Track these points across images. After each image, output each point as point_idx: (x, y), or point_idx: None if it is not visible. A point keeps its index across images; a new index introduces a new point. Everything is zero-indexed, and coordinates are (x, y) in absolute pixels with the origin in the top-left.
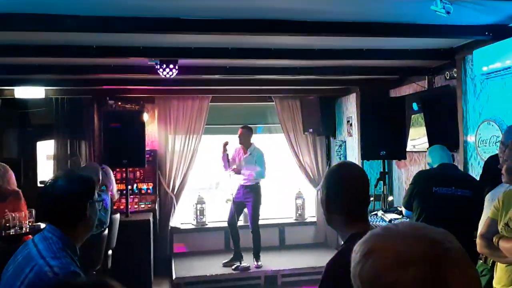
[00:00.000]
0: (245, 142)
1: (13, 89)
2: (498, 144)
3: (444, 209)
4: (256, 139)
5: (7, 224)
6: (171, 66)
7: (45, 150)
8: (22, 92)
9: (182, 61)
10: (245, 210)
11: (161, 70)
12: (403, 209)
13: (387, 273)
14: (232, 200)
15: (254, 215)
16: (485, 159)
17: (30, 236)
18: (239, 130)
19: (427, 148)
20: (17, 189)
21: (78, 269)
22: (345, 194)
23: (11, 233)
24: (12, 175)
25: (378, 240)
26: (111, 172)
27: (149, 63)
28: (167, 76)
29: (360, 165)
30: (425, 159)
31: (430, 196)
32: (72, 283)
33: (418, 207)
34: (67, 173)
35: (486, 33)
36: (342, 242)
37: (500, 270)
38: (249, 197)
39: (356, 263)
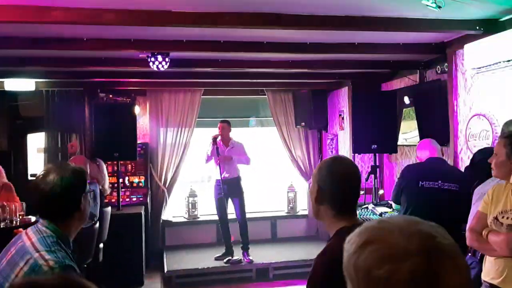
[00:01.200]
0: (226, 136)
1: (3, 81)
2: (488, 138)
3: (430, 203)
4: (248, 133)
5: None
6: (163, 58)
7: (36, 142)
8: (12, 84)
9: (174, 54)
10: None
11: (152, 62)
12: (393, 203)
13: (382, 265)
14: (216, 197)
15: (242, 208)
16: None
17: (21, 229)
18: (220, 125)
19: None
20: (7, 182)
21: (73, 263)
22: (337, 187)
23: (1, 226)
24: (1, 169)
25: (374, 232)
26: (104, 165)
27: (140, 55)
28: (159, 68)
29: (351, 159)
30: (416, 153)
31: (416, 190)
32: (39, 283)
33: (406, 201)
34: (59, 165)
35: (477, 27)
36: (330, 236)
37: (488, 263)
38: (234, 191)
39: (351, 254)
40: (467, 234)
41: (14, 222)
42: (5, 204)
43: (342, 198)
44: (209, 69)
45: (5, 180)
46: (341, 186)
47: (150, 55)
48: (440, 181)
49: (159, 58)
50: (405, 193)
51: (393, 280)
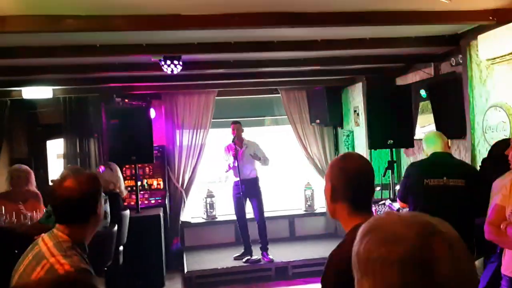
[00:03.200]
0: (240, 136)
1: (21, 90)
2: (505, 129)
3: (436, 201)
4: (263, 132)
5: (19, 224)
6: (175, 62)
7: (55, 148)
8: (30, 92)
9: (186, 57)
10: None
11: (165, 66)
12: (399, 203)
13: (379, 248)
14: (234, 197)
15: (261, 208)
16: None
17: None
18: (235, 126)
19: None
20: (37, 191)
21: (88, 266)
22: (349, 184)
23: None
24: (33, 177)
25: (378, 221)
26: (118, 168)
27: (153, 59)
28: (172, 72)
29: (368, 155)
30: (423, 150)
31: (422, 188)
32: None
33: (412, 201)
34: (75, 171)
35: (490, 17)
36: (346, 233)
37: (508, 256)
38: (252, 192)
39: (356, 243)
40: (485, 227)
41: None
42: (28, 214)
43: (356, 194)
44: (221, 70)
45: (34, 188)
46: (353, 182)
47: (162, 59)
48: (445, 178)
49: (172, 61)
50: (410, 193)
51: (388, 262)
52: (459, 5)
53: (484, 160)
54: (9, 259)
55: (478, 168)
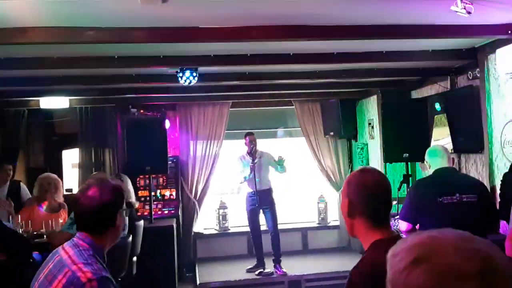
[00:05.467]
0: (255, 148)
1: (38, 100)
2: None
3: (450, 219)
4: (277, 143)
5: (35, 233)
6: (192, 74)
7: (70, 158)
8: (47, 102)
9: (202, 68)
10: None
11: (181, 78)
12: (401, 222)
13: (437, 286)
14: (248, 208)
15: (275, 219)
16: None
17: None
18: (250, 138)
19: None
20: (62, 202)
21: (109, 275)
22: (366, 199)
23: (41, 241)
24: (61, 186)
25: (425, 249)
26: (129, 180)
27: (169, 71)
28: (187, 83)
29: (383, 168)
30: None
31: (434, 207)
32: None
33: (422, 220)
34: (100, 181)
35: (509, 32)
36: (365, 249)
37: None
38: (266, 203)
39: (400, 271)
40: (506, 243)
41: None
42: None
43: (374, 210)
44: (236, 82)
45: (61, 198)
46: (371, 198)
47: (179, 71)
48: (458, 194)
49: (188, 73)
50: (420, 212)
51: None
52: (477, 18)
53: (506, 175)
54: (24, 267)
55: (499, 182)
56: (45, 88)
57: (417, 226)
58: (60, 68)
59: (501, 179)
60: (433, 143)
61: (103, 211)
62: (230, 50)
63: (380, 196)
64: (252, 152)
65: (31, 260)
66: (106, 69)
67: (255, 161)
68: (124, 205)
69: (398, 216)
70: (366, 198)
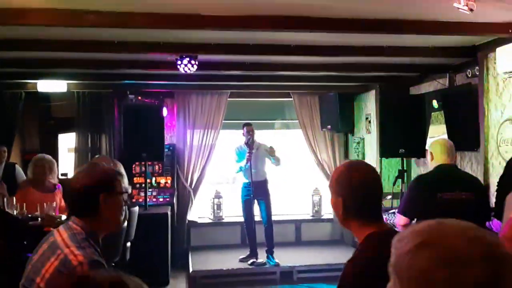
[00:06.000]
0: (253, 138)
1: (35, 83)
2: None
3: (450, 215)
4: (274, 135)
5: (29, 215)
6: (191, 61)
7: (66, 142)
8: (45, 85)
9: (201, 57)
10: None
11: (181, 65)
12: (399, 216)
13: (442, 268)
14: (243, 198)
15: (269, 210)
16: (508, 159)
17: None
18: (248, 128)
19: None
20: (57, 182)
21: (101, 259)
22: (360, 199)
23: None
24: (56, 168)
25: (431, 233)
26: (121, 166)
27: (168, 58)
28: (187, 71)
29: (378, 163)
30: (427, 155)
31: (434, 202)
32: (91, 277)
33: (421, 215)
34: (88, 165)
35: (510, 30)
36: (358, 241)
37: None
38: (261, 194)
39: (404, 253)
40: None
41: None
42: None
43: (367, 207)
44: (236, 72)
45: (56, 180)
46: (364, 197)
47: (178, 58)
48: (457, 190)
49: (187, 61)
50: (418, 207)
51: (453, 285)
52: (479, 16)
53: (503, 175)
54: (19, 249)
55: (497, 181)
56: (43, 71)
57: (414, 221)
58: (59, 51)
59: (500, 176)
60: (428, 140)
61: (84, 194)
62: (231, 39)
63: (371, 191)
64: (249, 143)
65: (25, 243)
66: (105, 53)
67: (252, 151)
68: (117, 189)
69: (393, 210)
70: (359, 197)
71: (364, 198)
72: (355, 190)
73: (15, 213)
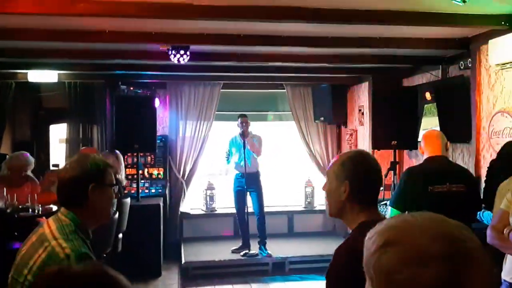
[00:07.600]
0: (247, 130)
1: (26, 73)
2: (511, 136)
3: (439, 207)
4: (267, 127)
5: (20, 206)
6: (183, 52)
7: (58, 133)
8: (36, 75)
9: (194, 47)
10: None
11: (173, 56)
12: (390, 208)
13: (404, 269)
14: (235, 190)
15: (261, 202)
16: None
17: (44, 218)
18: (243, 119)
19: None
20: (32, 176)
21: (89, 251)
22: (369, 181)
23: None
24: (31, 167)
25: (396, 232)
26: (122, 158)
27: (161, 48)
28: (179, 61)
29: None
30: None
31: (425, 195)
32: (67, 272)
33: (412, 208)
34: (77, 156)
35: (502, 22)
36: (350, 230)
37: (509, 262)
38: (253, 185)
39: (371, 253)
40: (488, 231)
41: (36, 211)
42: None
43: (369, 194)
44: (228, 63)
45: (30, 173)
46: (371, 184)
47: (170, 48)
48: (448, 183)
49: (180, 51)
50: (410, 200)
51: (415, 285)
52: (472, 8)
53: (493, 161)
54: (9, 241)
55: (486, 169)
56: (33, 61)
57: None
58: (50, 41)
59: (488, 166)
60: (421, 132)
61: (72, 185)
62: (223, 30)
63: (377, 179)
64: (243, 134)
65: (15, 234)
66: (96, 43)
67: (245, 142)
68: (106, 181)
69: (385, 202)
70: (366, 183)
71: (371, 185)
72: (367, 172)
73: (5, 205)
